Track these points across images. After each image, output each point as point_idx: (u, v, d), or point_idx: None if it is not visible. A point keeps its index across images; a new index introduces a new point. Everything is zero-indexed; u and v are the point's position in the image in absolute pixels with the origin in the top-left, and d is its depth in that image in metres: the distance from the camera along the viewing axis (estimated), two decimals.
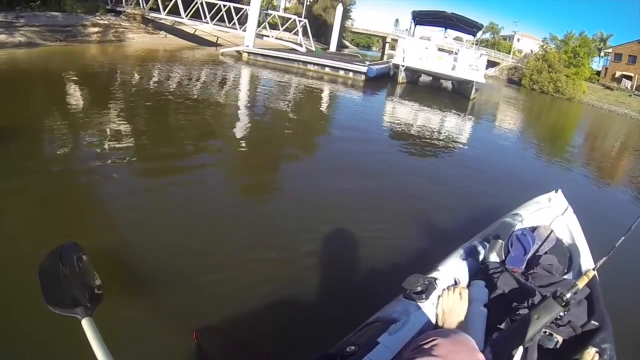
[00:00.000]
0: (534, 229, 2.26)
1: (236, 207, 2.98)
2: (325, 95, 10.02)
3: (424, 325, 1.41)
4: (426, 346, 0.83)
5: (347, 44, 38.17)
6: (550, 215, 2.43)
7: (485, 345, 1.38)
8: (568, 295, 1.34)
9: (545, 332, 1.52)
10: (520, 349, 1.37)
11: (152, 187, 3.07)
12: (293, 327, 1.88)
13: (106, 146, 3.66)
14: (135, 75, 7.94)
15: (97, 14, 13.79)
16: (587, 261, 2.05)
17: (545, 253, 2.10)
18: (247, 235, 2.55)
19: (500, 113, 15.37)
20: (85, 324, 1.33)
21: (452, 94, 15.30)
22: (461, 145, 6.90)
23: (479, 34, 19.95)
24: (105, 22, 13.39)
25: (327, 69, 12.86)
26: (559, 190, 2.56)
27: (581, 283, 1.43)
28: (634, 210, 5.03)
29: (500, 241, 2.08)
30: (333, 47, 22.40)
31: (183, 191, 3.07)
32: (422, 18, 18.31)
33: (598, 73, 43.54)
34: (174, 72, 8.87)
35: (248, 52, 13.09)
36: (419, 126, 8.00)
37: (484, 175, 5.12)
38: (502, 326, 1.49)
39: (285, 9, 32.41)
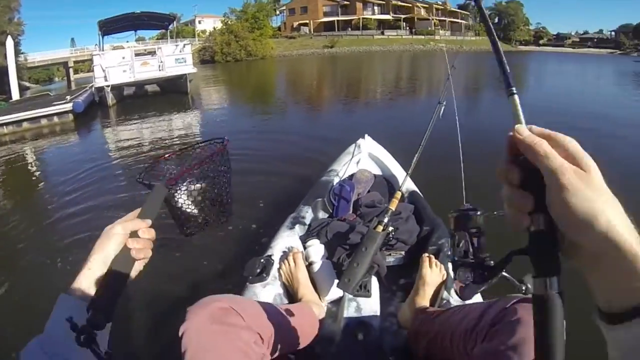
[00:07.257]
0: (351, 177, 2.44)
1: None
2: (33, 161, 8.01)
3: (274, 301, 1.49)
4: None
5: (27, 84, 29.82)
6: (362, 159, 2.61)
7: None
8: (385, 220, 1.42)
9: (389, 254, 1.70)
10: (374, 279, 1.49)
11: None
12: None
13: None
14: None
15: None
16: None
17: (369, 192, 2.26)
18: None
19: (223, 93, 16.19)
20: None
21: (165, 95, 15.09)
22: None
23: (171, 26, 19.86)
24: None
25: (25, 124, 10.31)
26: (366, 135, 2.81)
27: (392, 205, 1.54)
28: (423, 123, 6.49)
29: (320, 199, 2.21)
30: (15, 94, 16.49)
31: None
32: (109, 27, 16.57)
33: (279, 28, 50.74)
34: None
35: None
36: (160, 139, 7.91)
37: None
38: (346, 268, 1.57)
39: None
